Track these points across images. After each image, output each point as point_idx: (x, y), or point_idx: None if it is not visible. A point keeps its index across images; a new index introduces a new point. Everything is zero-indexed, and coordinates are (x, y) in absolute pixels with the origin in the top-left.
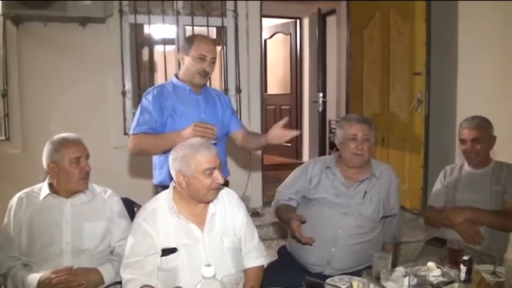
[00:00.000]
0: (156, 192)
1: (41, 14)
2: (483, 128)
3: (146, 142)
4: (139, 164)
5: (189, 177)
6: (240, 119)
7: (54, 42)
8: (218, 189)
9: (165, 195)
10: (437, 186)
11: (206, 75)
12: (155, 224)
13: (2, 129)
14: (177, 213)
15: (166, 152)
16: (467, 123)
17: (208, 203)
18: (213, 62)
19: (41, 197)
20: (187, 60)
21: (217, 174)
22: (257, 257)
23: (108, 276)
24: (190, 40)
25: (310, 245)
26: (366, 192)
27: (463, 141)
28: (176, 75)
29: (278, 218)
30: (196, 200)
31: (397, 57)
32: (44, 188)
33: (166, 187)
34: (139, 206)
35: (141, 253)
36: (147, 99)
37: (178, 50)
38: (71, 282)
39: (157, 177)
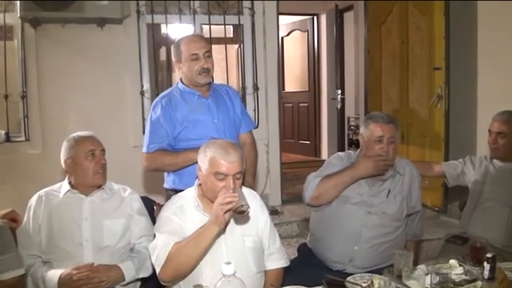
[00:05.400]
0: (167, 196)
1: (59, 15)
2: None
3: (163, 161)
4: None
5: (204, 175)
6: (258, 117)
7: (72, 44)
8: None
9: (190, 192)
10: (455, 162)
11: (207, 72)
12: (185, 219)
13: (22, 130)
14: (202, 210)
15: None
16: (498, 116)
17: None
18: (209, 56)
19: (61, 194)
20: (183, 66)
21: (229, 182)
22: (279, 259)
23: (128, 273)
24: (178, 45)
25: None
26: (389, 191)
27: (489, 133)
28: (182, 80)
29: (325, 191)
30: (210, 199)
31: (416, 52)
32: (63, 186)
33: (177, 191)
34: (158, 205)
35: (173, 232)
36: (156, 112)
37: None
38: (91, 279)
39: (169, 181)
